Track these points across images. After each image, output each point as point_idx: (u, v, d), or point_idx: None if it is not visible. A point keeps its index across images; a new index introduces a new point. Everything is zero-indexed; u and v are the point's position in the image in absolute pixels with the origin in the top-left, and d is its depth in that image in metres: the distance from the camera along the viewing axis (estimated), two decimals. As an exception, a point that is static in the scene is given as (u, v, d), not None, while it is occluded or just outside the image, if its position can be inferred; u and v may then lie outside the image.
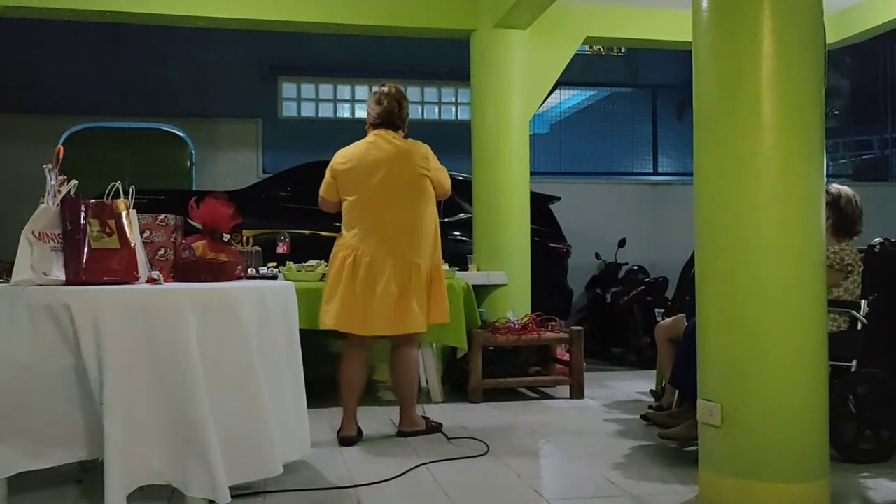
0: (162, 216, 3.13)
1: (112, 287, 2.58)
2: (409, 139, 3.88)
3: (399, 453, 3.52)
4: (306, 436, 3.08)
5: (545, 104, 8.20)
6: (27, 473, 2.62)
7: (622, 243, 7.54)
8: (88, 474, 2.95)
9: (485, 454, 3.50)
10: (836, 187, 3.78)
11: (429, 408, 4.45)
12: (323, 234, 6.20)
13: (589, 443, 3.79)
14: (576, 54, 6.00)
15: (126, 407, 2.49)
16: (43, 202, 2.66)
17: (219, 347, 2.61)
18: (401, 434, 3.87)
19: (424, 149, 3.83)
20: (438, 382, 4.82)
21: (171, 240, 3.11)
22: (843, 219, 3.71)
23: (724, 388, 2.82)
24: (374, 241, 3.67)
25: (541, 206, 6.70)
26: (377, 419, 4.23)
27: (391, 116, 3.83)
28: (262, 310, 2.80)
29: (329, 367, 5.20)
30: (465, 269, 5.37)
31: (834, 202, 3.69)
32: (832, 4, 5.81)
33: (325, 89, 9.89)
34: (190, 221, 3.21)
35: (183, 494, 2.56)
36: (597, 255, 7.74)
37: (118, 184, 2.77)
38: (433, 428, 3.93)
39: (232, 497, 2.55)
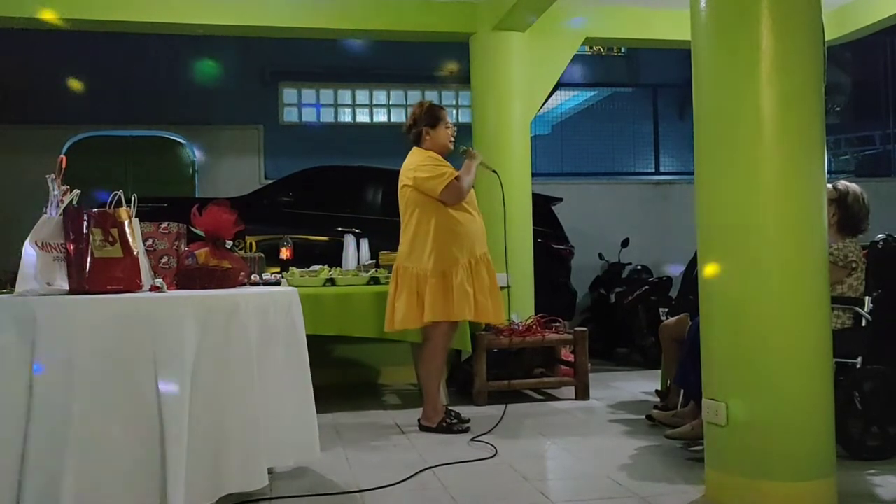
0: (164, 224, 3.13)
1: (115, 296, 2.58)
2: (414, 150, 4.08)
3: (405, 457, 3.52)
4: (314, 440, 3.06)
5: (546, 105, 8.20)
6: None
7: (625, 243, 7.54)
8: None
9: (491, 457, 3.50)
10: (843, 184, 3.75)
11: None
12: (326, 238, 6.22)
13: (595, 444, 3.79)
14: (576, 55, 6.01)
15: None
16: (46, 212, 2.67)
17: (222, 354, 2.61)
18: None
19: (414, 159, 4.02)
20: (443, 385, 4.80)
21: (174, 247, 3.11)
22: (849, 216, 3.69)
23: (728, 388, 2.81)
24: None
25: (543, 208, 6.70)
26: (383, 423, 4.23)
27: (408, 133, 4.15)
28: (265, 316, 2.80)
29: (332, 373, 5.22)
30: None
31: (841, 199, 3.67)
32: (831, 1, 5.80)
33: (326, 94, 9.91)
34: (192, 229, 3.22)
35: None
36: (600, 256, 7.73)
37: (120, 192, 2.78)
38: (446, 427, 3.99)
39: (238, 503, 2.55)
